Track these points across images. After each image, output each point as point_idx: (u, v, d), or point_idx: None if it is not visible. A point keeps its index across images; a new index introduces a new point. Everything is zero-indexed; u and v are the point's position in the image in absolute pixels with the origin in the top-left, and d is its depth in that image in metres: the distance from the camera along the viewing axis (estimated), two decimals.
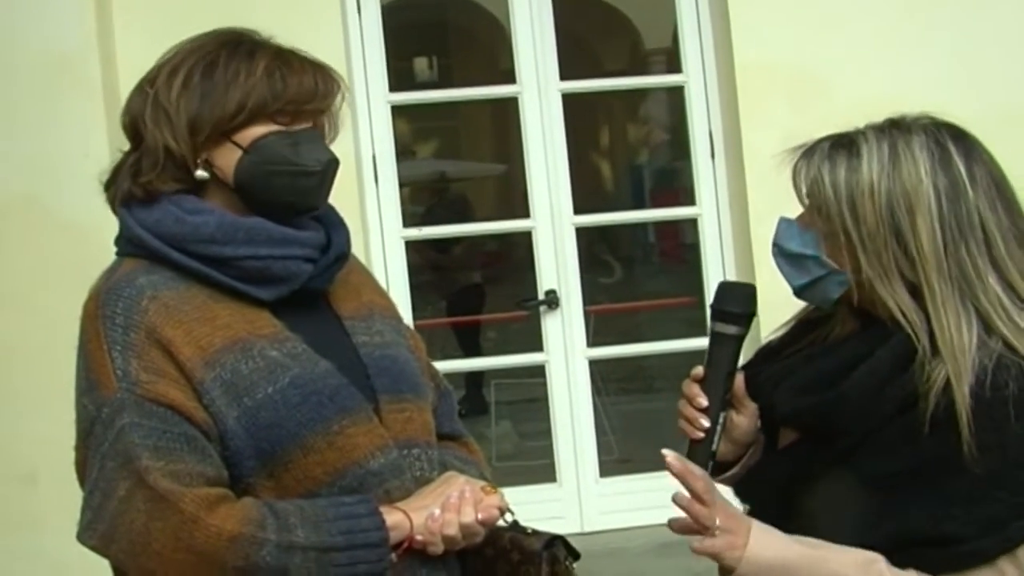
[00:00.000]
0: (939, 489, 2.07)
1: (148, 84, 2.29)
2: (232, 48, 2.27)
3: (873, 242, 2.12)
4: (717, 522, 2.11)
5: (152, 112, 2.25)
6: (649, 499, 6.00)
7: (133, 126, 2.30)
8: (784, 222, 2.27)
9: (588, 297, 6.42)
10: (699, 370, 2.29)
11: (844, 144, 2.19)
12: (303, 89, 2.26)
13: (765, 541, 2.12)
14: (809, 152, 2.22)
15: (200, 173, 2.25)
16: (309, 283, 2.30)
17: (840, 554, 2.11)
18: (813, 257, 2.20)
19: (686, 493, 2.12)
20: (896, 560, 2.09)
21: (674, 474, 2.11)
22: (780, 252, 2.27)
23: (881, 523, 2.10)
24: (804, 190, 2.21)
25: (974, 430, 2.03)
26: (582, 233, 6.37)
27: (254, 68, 2.24)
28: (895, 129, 2.19)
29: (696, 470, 2.12)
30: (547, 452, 6.40)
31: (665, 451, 2.12)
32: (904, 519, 2.08)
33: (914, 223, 2.11)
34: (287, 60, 2.27)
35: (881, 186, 2.12)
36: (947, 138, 2.17)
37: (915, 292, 2.12)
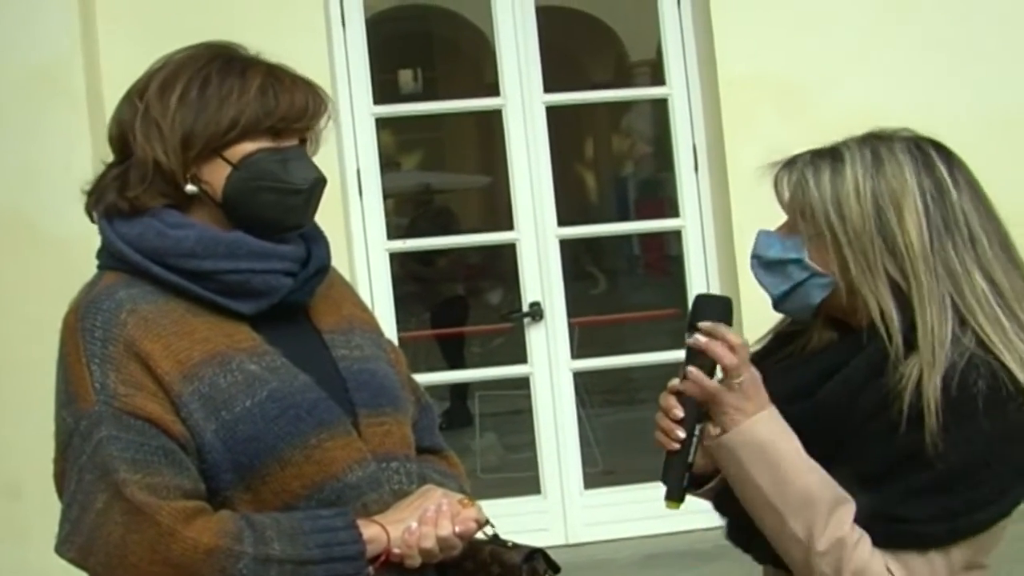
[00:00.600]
0: (905, 480, 2.09)
1: (138, 96, 2.27)
2: (225, 63, 2.26)
3: (859, 240, 2.16)
4: (742, 377, 2.16)
5: (143, 125, 2.24)
6: (634, 511, 6.02)
7: (121, 138, 2.28)
8: (763, 233, 2.30)
9: (572, 309, 6.44)
10: (675, 382, 2.30)
11: (826, 153, 2.24)
12: (295, 107, 2.26)
13: (771, 423, 2.16)
14: (791, 162, 2.26)
15: (190, 188, 2.25)
16: (289, 297, 2.29)
17: (823, 480, 2.13)
18: (795, 260, 2.23)
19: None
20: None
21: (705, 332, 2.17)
22: (760, 263, 2.29)
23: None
24: (787, 196, 2.24)
25: (942, 425, 2.06)
26: (566, 245, 6.38)
27: (248, 85, 2.23)
28: (875, 138, 2.24)
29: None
30: (532, 464, 6.40)
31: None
32: (867, 504, 2.11)
33: (901, 219, 2.14)
34: (279, 78, 2.27)
35: (866, 186, 2.16)
36: (928, 146, 2.22)
37: (896, 291, 2.15)
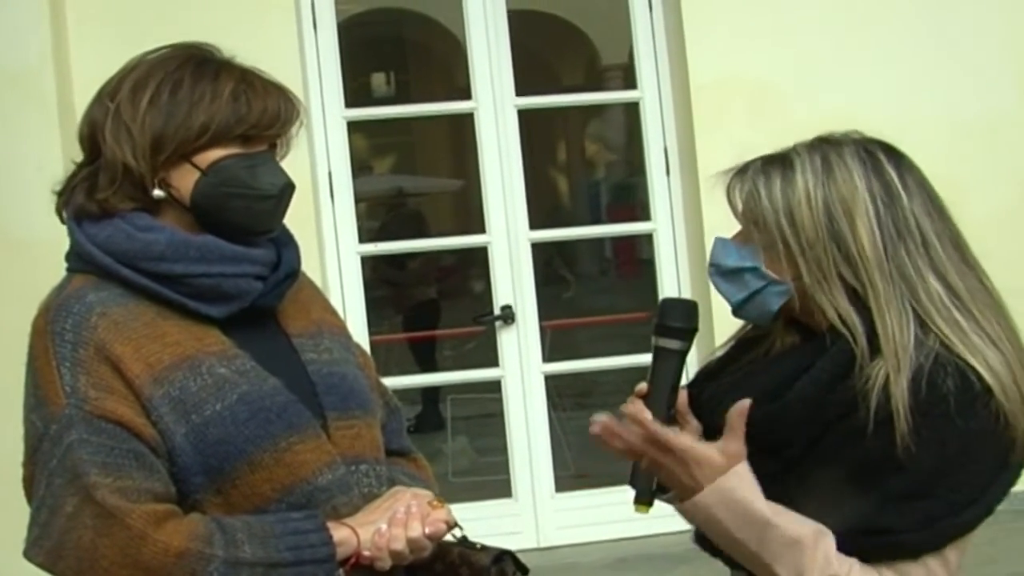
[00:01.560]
0: (881, 486, 2.09)
1: (109, 97, 2.26)
2: (197, 66, 2.25)
3: (812, 249, 2.16)
4: (694, 448, 2.14)
5: (113, 127, 2.22)
6: (605, 514, 6.03)
7: (91, 138, 2.27)
8: (720, 241, 2.30)
9: (544, 312, 6.44)
10: (643, 386, 2.30)
11: (777, 160, 2.23)
12: (267, 114, 2.25)
13: (746, 480, 2.13)
14: (743, 170, 2.25)
15: (157, 192, 2.24)
16: (259, 301, 2.29)
17: (796, 517, 2.12)
18: (752, 269, 2.23)
19: None
20: (840, 551, 2.11)
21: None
22: (717, 271, 2.29)
23: (826, 521, 2.12)
24: (740, 207, 2.25)
25: (913, 428, 2.06)
26: (538, 248, 6.38)
27: (220, 90, 2.22)
28: (825, 144, 2.23)
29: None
30: (503, 467, 6.41)
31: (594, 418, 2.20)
32: (845, 514, 2.11)
33: (853, 226, 2.14)
34: (251, 83, 2.26)
35: (817, 193, 2.16)
36: (877, 149, 2.22)
37: (853, 296, 2.16)
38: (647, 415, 2.20)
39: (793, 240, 2.17)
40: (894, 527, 2.08)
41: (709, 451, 2.15)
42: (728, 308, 2.37)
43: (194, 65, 2.26)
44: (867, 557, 2.11)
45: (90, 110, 2.29)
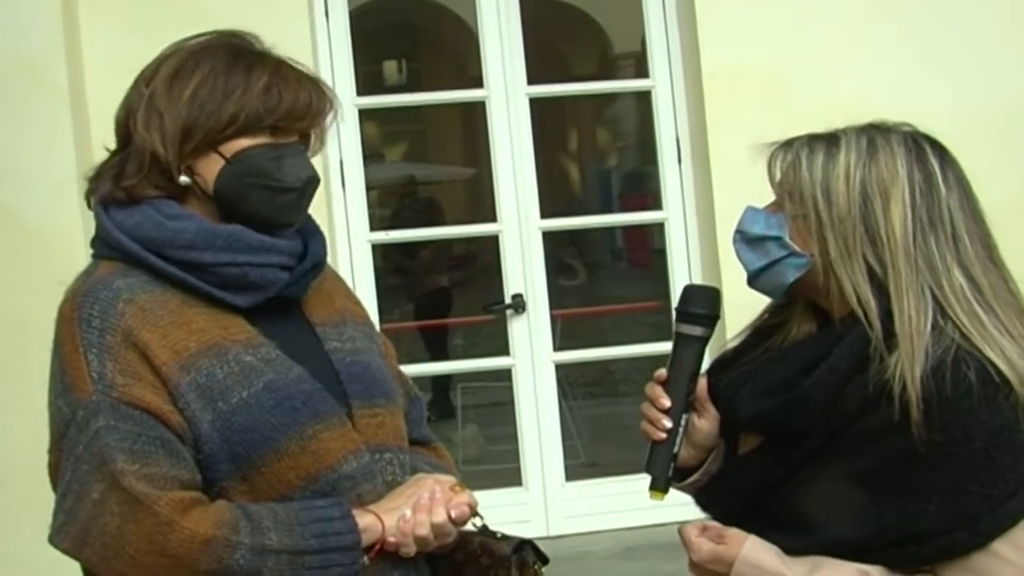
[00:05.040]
0: (910, 486, 2.09)
1: (145, 83, 2.28)
2: (234, 58, 2.26)
3: (842, 224, 2.18)
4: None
5: (145, 113, 2.24)
6: (615, 503, 6.03)
7: (125, 124, 2.29)
8: (750, 209, 2.32)
9: (555, 301, 6.43)
10: (662, 372, 2.31)
11: (823, 138, 2.26)
12: (297, 106, 2.26)
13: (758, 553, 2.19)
14: (788, 144, 2.28)
15: (183, 179, 2.25)
16: (284, 291, 2.30)
17: (831, 570, 2.14)
18: (775, 238, 2.25)
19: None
20: (874, 559, 2.12)
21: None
22: (742, 237, 2.31)
23: (855, 524, 2.13)
24: (778, 176, 2.27)
25: (941, 423, 2.06)
26: (549, 237, 6.37)
27: (253, 83, 2.23)
28: (874, 129, 2.26)
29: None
30: (513, 456, 6.40)
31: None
32: (878, 519, 2.12)
33: (887, 209, 2.16)
34: (285, 76, 2.27)
35: (856, 173, 2.19)
36: (924, 141, 2.25)
37: (873, 279, 2.17)
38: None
39: (825, 213, 2.19)
40: (933, 529, 2.08)
41: (716, 549, 2.22)
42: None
43: (231, 56, 2.27)
44: (913, 563, 2.11)
45: (128, 96, 2.31)
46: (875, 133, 2.24)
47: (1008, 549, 2.09)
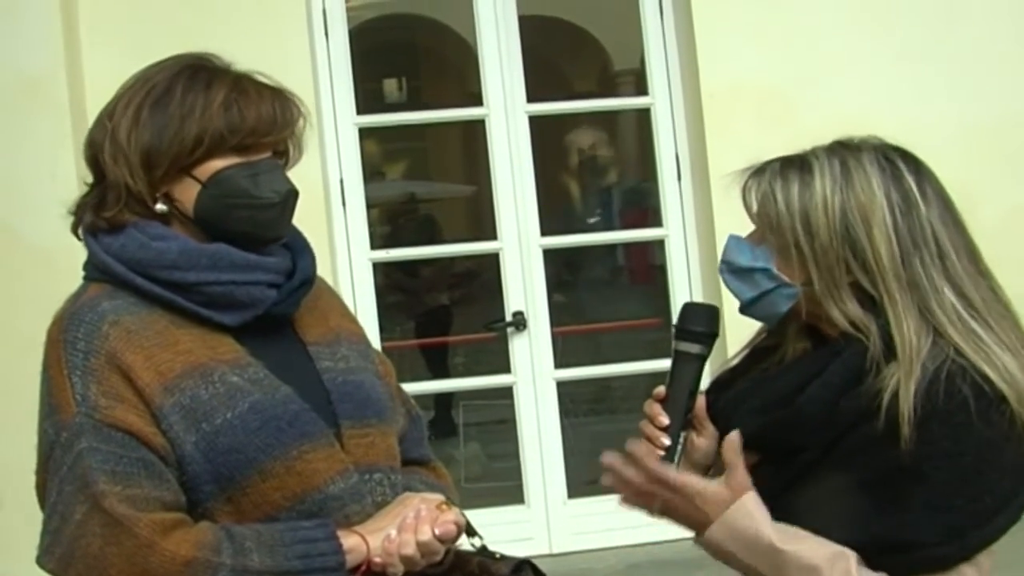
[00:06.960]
0: (901, 498, 2.09)
1: (107, 117, 2.26)
2: (189, 78, 2.24)
3: (825, 256, 2.16)
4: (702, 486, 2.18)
5: (111, 148, 2.23)
6: (617, 520, 5.99)
7: (94, 160, 2.28)
8: (734, 239, 2.30)
9: (555, 319, 6.43)
10: (661, 389, 2.30)
11: (795, 163, 2.22)
12: (261, 121, 2.23)
13: (753, 511, 2.15)
14: (760, 171, 2.25)
15: (160, 207, 2.24)
16: (273, 309, 2.29)
17: (815, 542, 2.12)
18: (763, 270, 2.23)
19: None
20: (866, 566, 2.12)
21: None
22: (728, 268, 2.29)
23: (847, 533, 2.12)
24: (755, 208, 2.24)
25: (933, 436, 2.06)
26: (549, 255, 6.38)
27: (211, 101, 2.21)
28: (844, 148, 2.23)
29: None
30: (515, 474, 6.40)
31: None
32: (868, 528, 2.11)
33: (870, 234, 2.14)
34: (244, 90, 2.24)
35: (835, 200, 2.15)
36: (896, 156, 2.21)
37: (868, 303, 2.15)
38: (650, 460, 2.22)
39: (806, 245, 2.16)
40: (921, 540, 2.08)
41: (713, 486, 2.17)
42: (739, 315, 2.37)
43: (187, 76, 2.25)
44: (897, 572, 2.10)
45: (91, 132, 2.30)
46: (846, 154, 2.20)
47: (971, 570, 2.10)
